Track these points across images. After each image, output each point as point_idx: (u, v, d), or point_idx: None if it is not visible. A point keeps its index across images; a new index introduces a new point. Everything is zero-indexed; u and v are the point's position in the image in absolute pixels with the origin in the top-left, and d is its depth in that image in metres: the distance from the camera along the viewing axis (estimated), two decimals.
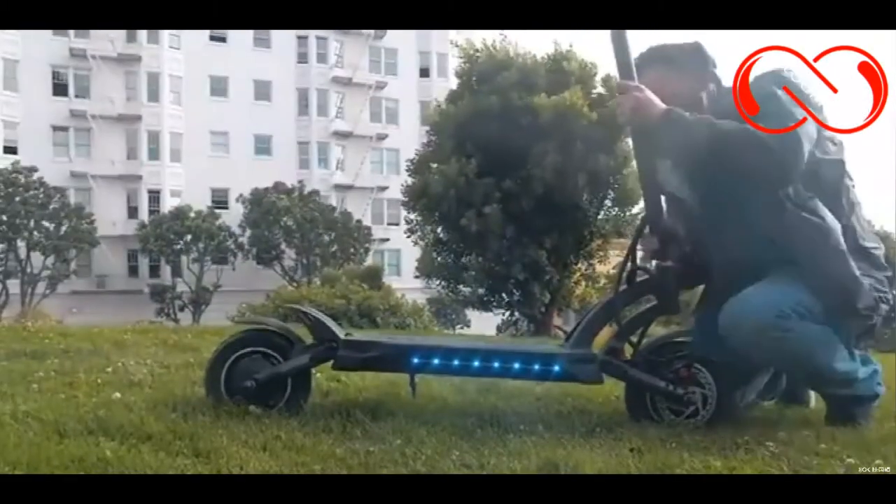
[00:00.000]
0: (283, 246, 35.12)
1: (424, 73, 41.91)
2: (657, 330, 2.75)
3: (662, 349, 2.43)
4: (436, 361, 2.38)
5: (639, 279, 2.46)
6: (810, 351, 2.28)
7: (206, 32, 36.77)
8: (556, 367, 2.38)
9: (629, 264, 2.47)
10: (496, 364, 2.40)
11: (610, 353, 2.41)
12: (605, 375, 2.42)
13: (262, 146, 39.41)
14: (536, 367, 2.40)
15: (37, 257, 31.65)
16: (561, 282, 17.81)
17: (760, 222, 2.31)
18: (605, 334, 2.57)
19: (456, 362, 2.38)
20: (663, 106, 2.32)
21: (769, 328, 2.21)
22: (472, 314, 24.99)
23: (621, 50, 2.40)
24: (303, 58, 40.15)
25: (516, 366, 2.40)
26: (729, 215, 2.40)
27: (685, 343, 2.45)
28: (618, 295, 2.46)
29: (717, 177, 2.39)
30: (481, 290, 18.05)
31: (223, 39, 37.83)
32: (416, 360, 2.38)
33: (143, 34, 36.58)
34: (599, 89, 16.74)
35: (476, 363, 2.39)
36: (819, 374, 2.36)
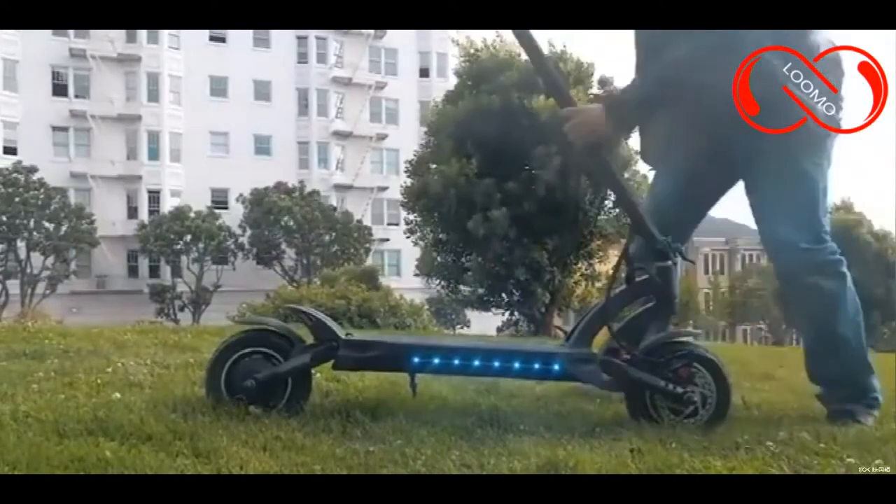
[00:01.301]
0: (283, 246, 35.14)
1: (424, 73, 41.93)
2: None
3: (661, 349, 2.43)
4: (436, 361, 2.38)
5: (637, 279, 2.46)
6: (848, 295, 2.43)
7: (206, 32, 36.78)
8: (556, 367, 2.38)
9: (623, 265, 2.50)
10: (496, 363, 2.40)
11: (609, 353, 2.41)
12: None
13: (262, 146, 39.45)
14: (536, 366, 2.40)
15: (37, 258, 31.68)
16: (561, 282, 17.81)
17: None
18: (604, 334, 2.57)
19: (456, 361, 2.39)
20: (598, 106, 2.37)
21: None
22: (472, 314, 25.00)
23: (549, 77, 2.45)
24: (303, 58, 40.17)
25: (516, 365, 2.40)
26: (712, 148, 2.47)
27: (684, 343, 2.46)
28: (617, 295, 2.47)
29: (688, 116, 2.44)
30: (481, 290, 18.05)
31: (223, 39, 37.85)
32: (416, 360, 2.38)
33: (142, 34, 36.62)
34: (595, 90, 16.78)
35: (476, 362, 2.39)
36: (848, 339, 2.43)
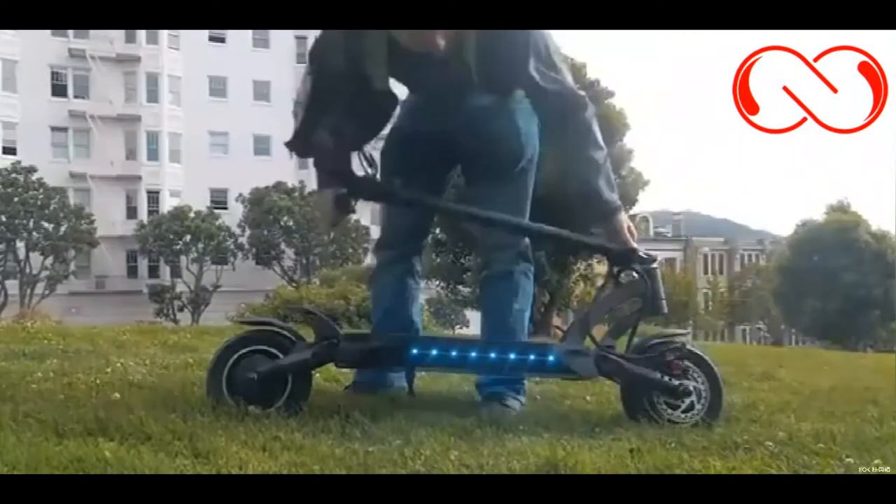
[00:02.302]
0: (282, 246, 35.13)
1: None
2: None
3: (653, 347, 2.47)
4: (434, 352, 2.42)
5: (625, 281, 2.52)
6: None
7: (206, 32, 36.73)
8: (551, 358, 2.42)
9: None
10: (493, 356, 2.44)
11: (605, 349, 2.44)
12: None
13: (262, 146, 39.39)
14: (532, 358, 2.44)
15: (36, 258, 31.65)
16: (560, 282, 17.81)
17: None
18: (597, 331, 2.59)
19: (454, 353, 2.42)
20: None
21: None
22: (471, 314, 24.98)
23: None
24: (302, 58, 40.04)
25: (512, 357, 2.43)
26: None
27: (674, 340, 2.49)
28: (609, 294, 2.55)
29: None
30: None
31: (222, 39, 37.81)
32: (415, 352, 2.42)
33: (142, 34, 36.59)
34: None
35: (473, 354, 2.43)
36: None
